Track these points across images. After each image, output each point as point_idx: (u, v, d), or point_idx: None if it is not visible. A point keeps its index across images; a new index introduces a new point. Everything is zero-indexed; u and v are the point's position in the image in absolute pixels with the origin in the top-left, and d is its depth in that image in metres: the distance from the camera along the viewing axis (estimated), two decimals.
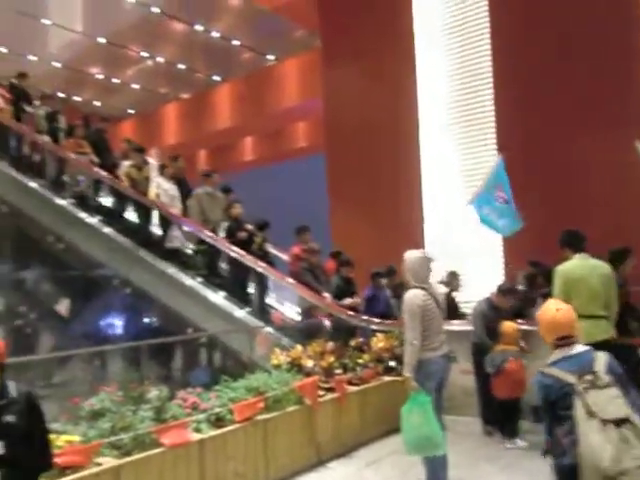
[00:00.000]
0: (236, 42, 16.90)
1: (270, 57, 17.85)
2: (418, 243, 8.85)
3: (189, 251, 7.60)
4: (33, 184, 7.73)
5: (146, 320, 7.75)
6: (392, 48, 10.25)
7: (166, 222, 7.35)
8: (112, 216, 7.65)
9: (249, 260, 6.81)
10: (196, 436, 3.83)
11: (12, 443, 2.41)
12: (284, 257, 7.85)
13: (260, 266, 6.86)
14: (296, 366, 4.97)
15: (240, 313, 6.83)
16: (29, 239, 7.40)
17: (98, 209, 7.72)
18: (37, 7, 15.06)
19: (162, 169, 7.80)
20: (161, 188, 7.32)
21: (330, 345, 5.34)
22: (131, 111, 22.65)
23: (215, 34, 16.35)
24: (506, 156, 6.19)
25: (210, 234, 7.06)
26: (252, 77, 17.97)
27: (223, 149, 22.63)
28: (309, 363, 4.96)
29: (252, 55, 17.88)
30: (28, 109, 8.71)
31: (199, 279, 7.08)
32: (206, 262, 7.21)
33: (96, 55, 17.94)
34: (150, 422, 3.68)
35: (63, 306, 8.13)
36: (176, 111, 21.05)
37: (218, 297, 6.95)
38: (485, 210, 5.70)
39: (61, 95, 19.17)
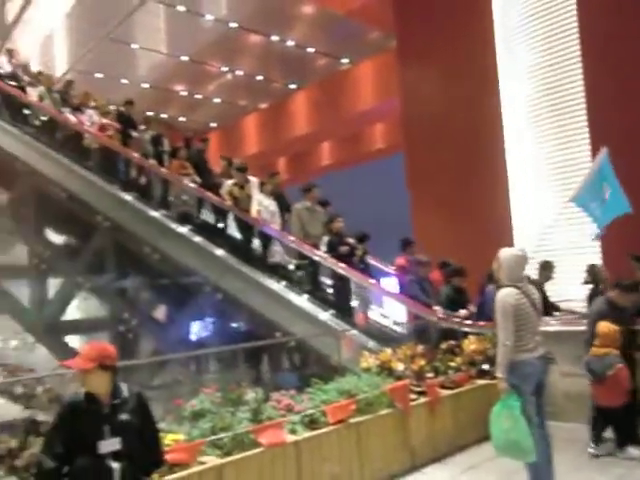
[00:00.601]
0: (311, 49, 17.17)
1: (344, 61, 17.96)
2: (507, 242, 8.52)
3: (291, 266, 7.67)
4: (138, 203, 8.09)
5: (236, 325, 8.02)
6: (471, 43, 9.98)
7: (267, 238, 7.44)
8: (214, 233, 7.87)
9: (353, 274, 6.77)
10: (291, 437, 3.91)
11: (127, 440, 2.59)
12: (385, 268, 7.82)
13: (360, 278, 6.83)
14: (386, 369, 4.94)
15: (324, 316, 6.90)
16: (129, 251, 7.86)
17: (201, 226, 7.94)
18: (127, 34, 16.11)
19: (261, 186, 7.91)
20: (262, 205, 7.43)
21: (420, 348, 5.26)
22: (213, 124, 23.61)
23: (290, 43, 16.71)
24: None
25: (311, 248, 7.05)
26: (327, 82, 18.16)
27: (301, 155, 23.03)
28: (399, 366, 4.92)
29: (327, 60, 18.08)
30: (134, 134, 9.11)
31: (283, 283, 7.22)
32: (308, 277, 7.24)
33: (180, 73, 18.91)
34: (247, 423, 3.80)
35: (160, 312, 8.60)
36: (255, 121, 21.69)
37: (302, 300, 7.06)
38: (592, 205, 5.38)
39: (149, 113, 20.38)
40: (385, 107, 15.72)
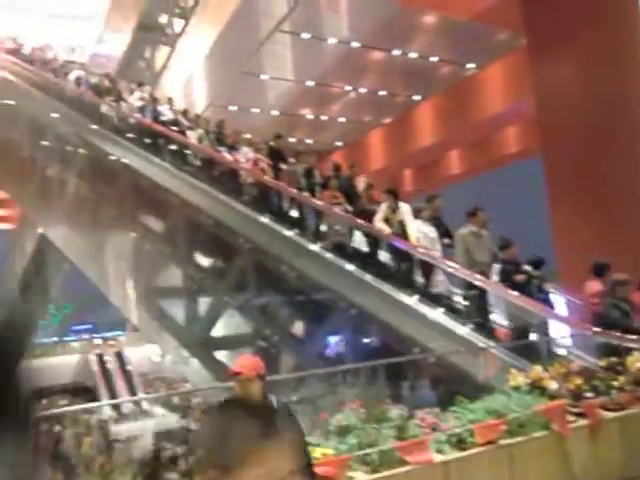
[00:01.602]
0: (434, 58, 16.93)
1: (470, 66, 17.43)
2: None
3: (457, 297, 7.24)
4: (279, 228, 8.20)
5: (372, 340, 8.02)
6: (613, 33, 9.17)
7: (428, 266, 7.01)
8: (367, 261, 7.65)
9: (534, 307, 6.13)
10: (439, 457, 3.78)
11: None
12: (571, 297, 7.18)
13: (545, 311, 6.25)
14: (537, 388, 4.59)
15: (463, 330, 6.62)
16: (268, 270, 8.24)
17: (354, 255, 7.80)
18: (257, 66, 17.21)
19: (417, 212, 7.49)
20: (420, 231, 7.08)
21: (575, 365, 4.82)
22: (339, 143, 24.18)
23: (412, 55, 16.63)
24: None
25: (480, 277, 6.46)
26: (453, 90, 17.75)
27: (428, 166, 22.67)
28: (553, 385, 4.54)
29: (451, 68, 17.70)
30: (284, 167, 9.38)
31: (416, 296, 7.05)
32: (478, 308, 6.64)
33: (306, 97, 19.72)
34: (393, 440, 3.75)
35: (298, 328, 8.88)
36: (380, 136, 21.82)
37: (438, 314, 6.84)
38: None
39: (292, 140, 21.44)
40: (517, 109, 14.94)
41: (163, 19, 18.57)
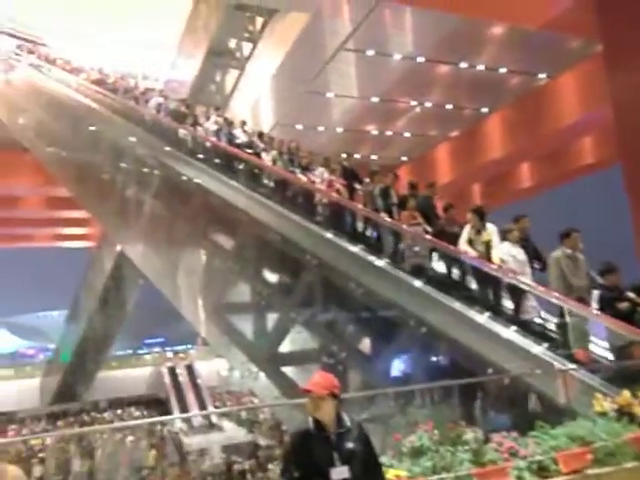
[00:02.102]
0: (502, 70, 16.52)
1: (541, 76, 16.87)
2: None
3: (551, 325, 6.75)
4: (355, 249, 8.00)
5: (442, 359, 7.79)
6: None
7: (517, 291, 6.59)
8: (449, 285, 7.35)
9: None
10: None
11: (354, 468, 2.66)
12: None
13: None
14: (626, 414, 4.27)
15: (538, 350, 6.29)
16: (334, 287, 8.23)
17: (433, 278, 7.51)
18: (322, 84, 17.47)
19: (504, 233, 7.02)
20: (509, 254, 6.66)
21: None
22: (404, 158, 24.00)
23: (480, 67, 16.32)
24: None
25: (576, 304, 6.02)
26: (523, 101, 17.23)
27: (497, 180, 22.04)
28: None
29: (521, 79, 17.20)
30: (359, 187, 9.10)
31: (487, 314, 6.79)
32: (579, 337, 6.17)
33: (371, 113, 19.77)
34: (468, 464, 3.61)
35: (366, 345, 8.79)
36: (447, 150, 21.48)
37: (510, 332, 6.55)
38: None
39: (343, 155, 21.57)
40: (593, 118, 14.26)
41: (232, 44, 19.28)
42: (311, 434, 2.69)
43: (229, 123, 11.61)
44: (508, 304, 6.87)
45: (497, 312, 6.62)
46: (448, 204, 8.11)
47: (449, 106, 19.10)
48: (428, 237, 7.64)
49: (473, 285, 7.26)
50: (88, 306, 27.73)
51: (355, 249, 7.81)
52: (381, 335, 8.05)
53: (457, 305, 6.90)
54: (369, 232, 8.53)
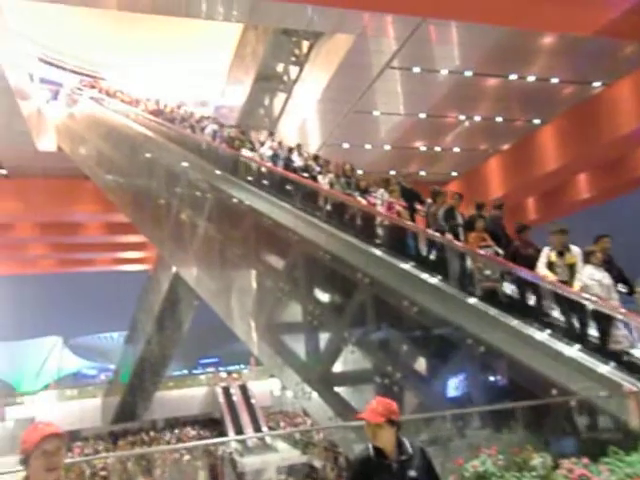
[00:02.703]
0: (555, 80, 16.08)
1: (596, 84, 16.30)
2: None
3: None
4: (417, 272, 7.75)
5: (501, 379, 7.50)
6: None
7: (606, 319, 6.15)
8: (525, 310, 6.93)
9: None
10: None
11: None
12: None
13: None
14: None
15: (604, 369, 5.94)
16: (388, 306, 8.10)
17: (511, 305, 7.12)
18: (368, 103, 17.53)
19: (586, 256, 6.57)
20: (593, 278, 6.27)
21: None
22: (454, 173, 23.64)
23: (531, 78, 15.95)
24: None
25: None
26: (578, 110, 16.68)
27: (552, 193, 21.33)
28: None
29: (574, 88, 16.68)
30: (420, 209, 8.81)
31: (548, 331, 6.48)
32: None
33: (418, 130, 19.63)
34: None
35: (421, 365, 8.58)
36: (498, 164, 21.02)
37: (574, 350, 6.22)
38: None
39: (392, 172, 21.49)
40: None
41: (280, 68, 19.72)
42: (372, 461, 2.62)
43: (289, 149, 11.66)
44: (594, 332, 6.36)
45: (583, 342, 6.16)
46: (522, 225, 7.69)
47: (499, 119, 18.72)
48: (501, 259, 7.25)
49: (554, 313, 6.78)
50: (146, 327, 28.58)
51: (425, 276, 7.45)
52: (437, 355, 7.85)
53: (515, 323, 6.65)
54: (433, 255, 8.06)
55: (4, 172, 21.47)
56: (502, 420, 6.38)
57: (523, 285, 7.03)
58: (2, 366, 46.75)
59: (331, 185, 9.88)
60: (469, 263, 7.53)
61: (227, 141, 12.34)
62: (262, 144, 12.09)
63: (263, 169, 10.85)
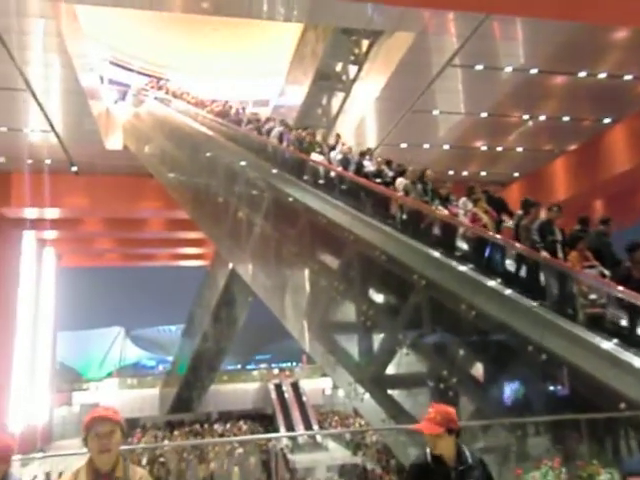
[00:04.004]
0: (628, 76, 15.24)
1: None
2: None
3: None
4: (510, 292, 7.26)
5: (563, 389, 7.18)
6: None
7: None
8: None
9: None
10: None
11: None
12: None
13: None
14: None
15: None
16: (444, 309, 7.91)
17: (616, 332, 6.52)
18: (428, 102, 17.23)
19: None
20: None
21: None
22: (515, 174, 22.89)
23: (602, 75, 15.18)
24: None
25: None
26: None
27: (624, 195, 20.22)
28: None
29: None
30: (507, 220, 8.12)
31: (614, 340, 6.11)
32: None
33: (479, 129, 19.13)
34: None
35: (478, 371, 8.34)
36: (564, 165, 20.17)
37: None
38: None
39: (450, 172, 21.05)
40: None
41: (339, 67, 19.73)
42: (430, 468, 2.55)
43: (360, 153, 11.04)
44: None
45: None
46: (635, 243, 6.89)
47: (566, 118, 17.94)
48: (611, 282, 6.53)
49: None
50: (202, 322, 29.37)
51: (515, 295, 6.83)
52: (495, 361, 7.61)
53: (577, 329, 6.32)
54: (524, 273, 7.37)
55: (75, 169, 22.58)
56: (564, 432, 6.10)
57: (635, 312, 6.23)
58: (70, 353, 49.31)
59: (406, 192, 9.15)
60: (570, 285, 6.76)
61: (295, 144, 12.01)
62: (332, 148, 11.61)
63: (332, 173, 10.50)
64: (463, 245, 8.14)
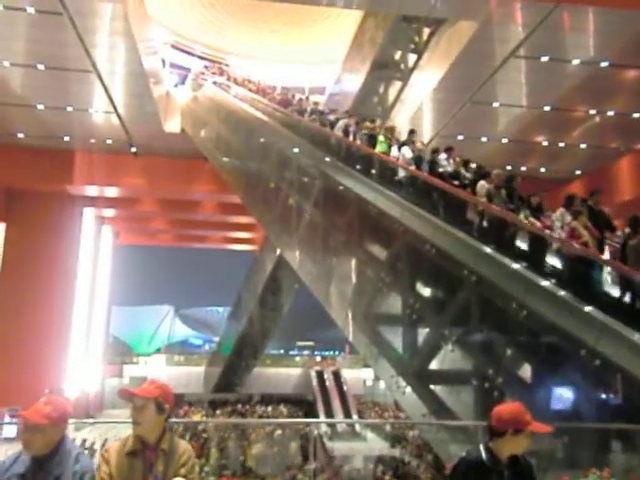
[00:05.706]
0: None
1: None
2: None
3: None
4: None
5: (618, 399, 6.88)
6: None
7: None
8: None
9: None
10: None
11: None
12: None
13: None
14: None
15: None
16: (494, 307, 7.71)
17: None
18: (488, 94, 16.71)
19: None
20: None
21: None
22: (578, 172, 21.96)
23: None
24: None
25: None
26: None
27: None
28: None
29: None
30: (611, 237, 7.20)
31: None
32: None
33: (541, 123, 18.42)
34: None
35: (526, 372, 8.11)
36: (632, 163, 19.17)
37: None
38: None
39: (508, 167, 20.39)
40: None
41: (397, 55, 19.40)
42: (484, 466, 2.50)
43: (433, 151, 10.04)
44: None
45: None
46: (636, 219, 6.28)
47: (636, 114, 17.00)
48: None
49: None
50: (249, 305, 29.89)
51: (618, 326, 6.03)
52: (544, 363, 7.37)
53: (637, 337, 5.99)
54: (629, 298, 6.53)
55: (134, 150, 23.32)
56: (614, 441, 5.85)
57: None
58: (122, 328, 51.38)
59: (489, 198, 8.13)
60: None
61: (363, 138, 11.28)
62: (403, 144, 10.48)
63: (402, 172, 9.73)
64: (556, 262, 7.25)
